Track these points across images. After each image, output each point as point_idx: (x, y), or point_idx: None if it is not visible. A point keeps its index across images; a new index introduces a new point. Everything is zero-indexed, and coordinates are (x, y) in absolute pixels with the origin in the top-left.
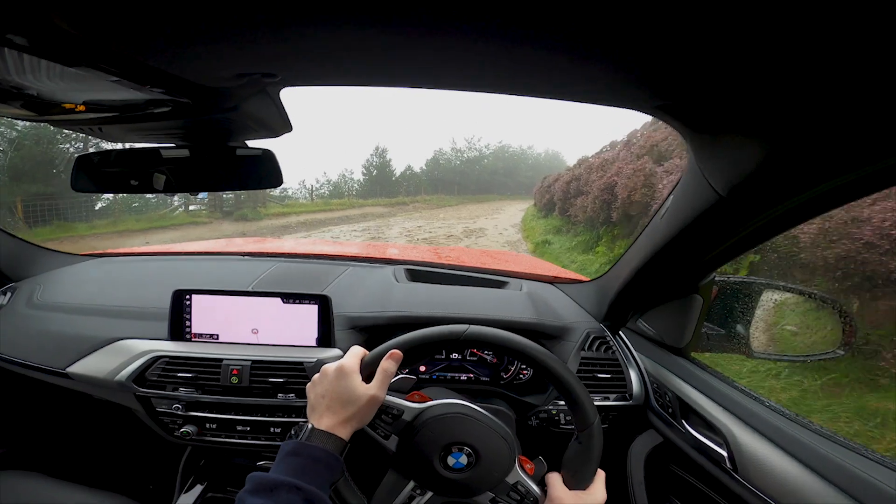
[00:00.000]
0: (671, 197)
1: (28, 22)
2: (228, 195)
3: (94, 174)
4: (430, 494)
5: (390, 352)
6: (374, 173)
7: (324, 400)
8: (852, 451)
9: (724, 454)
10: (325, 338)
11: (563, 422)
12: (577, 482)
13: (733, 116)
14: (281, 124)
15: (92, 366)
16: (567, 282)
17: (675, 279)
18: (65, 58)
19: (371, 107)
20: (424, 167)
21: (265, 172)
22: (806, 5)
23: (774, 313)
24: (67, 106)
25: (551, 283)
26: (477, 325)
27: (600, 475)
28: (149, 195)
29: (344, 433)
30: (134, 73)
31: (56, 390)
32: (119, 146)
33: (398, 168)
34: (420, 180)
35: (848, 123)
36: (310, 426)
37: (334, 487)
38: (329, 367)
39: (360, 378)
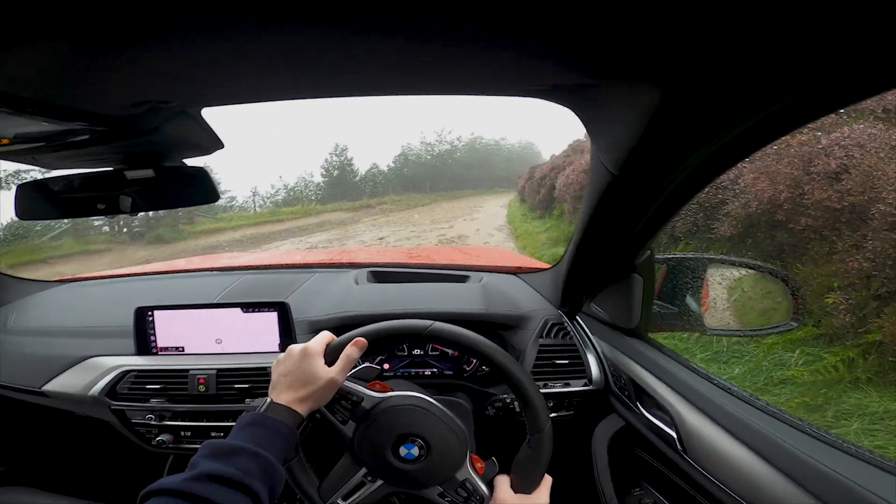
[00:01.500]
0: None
1: None
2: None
3: (36, 201)
4: (380, 483)
5: (355, 339)
6: (334, 174)
7: (285, 378)
8: (797, 429)
9: (674, 435)
10: (287, 343)
11: (517, 409)
12: (525, 486)
13: (611, 76)
14: (211, 143)
15: (66, 383)
16: (530, 271)
17: (609, 261)
18: None
19: (328, 103)
20: (392, 164)
21: (201, 189)
22: None
23: (722, 289)
24: None
25: (514, 273)
26: (429, 319)
27: (547, 481)
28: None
29: (301, 409)
30: (42, 110)
31: (44, 410)
32: (57, 173)
33: (362, 167)
34: (388, 179)
35: (729, 75)
36: (269, 399)
37: (287, 466)
38: (294, 348)
39: (322, 361)
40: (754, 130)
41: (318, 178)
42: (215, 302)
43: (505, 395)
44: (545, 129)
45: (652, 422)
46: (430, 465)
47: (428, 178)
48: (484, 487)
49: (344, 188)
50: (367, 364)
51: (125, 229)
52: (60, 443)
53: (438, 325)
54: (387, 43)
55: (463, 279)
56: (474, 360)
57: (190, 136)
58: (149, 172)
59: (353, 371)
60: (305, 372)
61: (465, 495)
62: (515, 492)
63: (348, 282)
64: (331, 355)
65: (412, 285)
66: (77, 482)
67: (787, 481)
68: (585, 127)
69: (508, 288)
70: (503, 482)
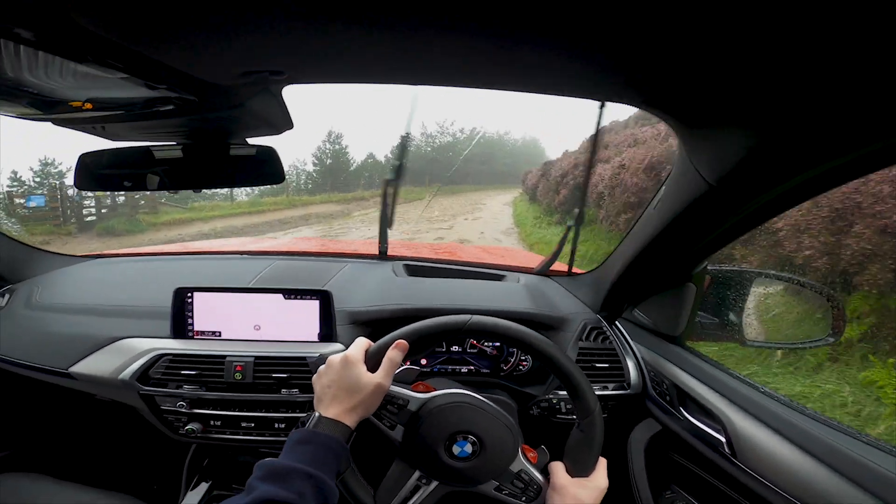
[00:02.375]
0: (663, 188)
1: (44, 16)
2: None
3: (100, 172)
4: (435, 484)
5: (396, 342)
6: (327, 163)
7: (330, 389)
8: (845, 433)
9: (723, 440)
10: (328, 333)
11: (563, 411)
12: (580, 470)
13: (721, 108)
14: (283, 121)
15: (94, 365)
16: (563, 275)
17: (668, 268)
18: (74, 53)
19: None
20: (390, 155)
21: (266, 169)
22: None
23: (766, 302)
24: (74, 104)
25: (547, 275)
26: (478, 314)
27: (602, 462)
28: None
29: (350, 421)
30: (142, 69)
31: (59, 391)
32: (115, 145)
33: (358, 157)
34: (384, 170)
35: (832, 112)
36: (317, 415)
37: (341, 479)
38: (335, 358)
39: (364, 367)
40: (853, 163)
41: (310, 167)
42: (251, 286)
43: (549, 396)
44: (551, 124)
45: (696, 426)
46: (485, 461)
47: (427, 170)
48: (539, 476)
49: (337, 178)
50: (406, 366)
51: (73, 219)
52: (74, 426)
53: (478, 318)
54: (499, 42)
55: (499, 278)
56: (512, 360)
57: (269, 113)
58: (177, 152)
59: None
60: (350, 381)
61: (522, 486)
62: (572, 476)
63: (387, 274)
64: (371, 360)
65: (453, 281)
66: (89, 469)
67: (845, 482)
68: (681, 137)
69: (546, 289)
70: (559, 468)
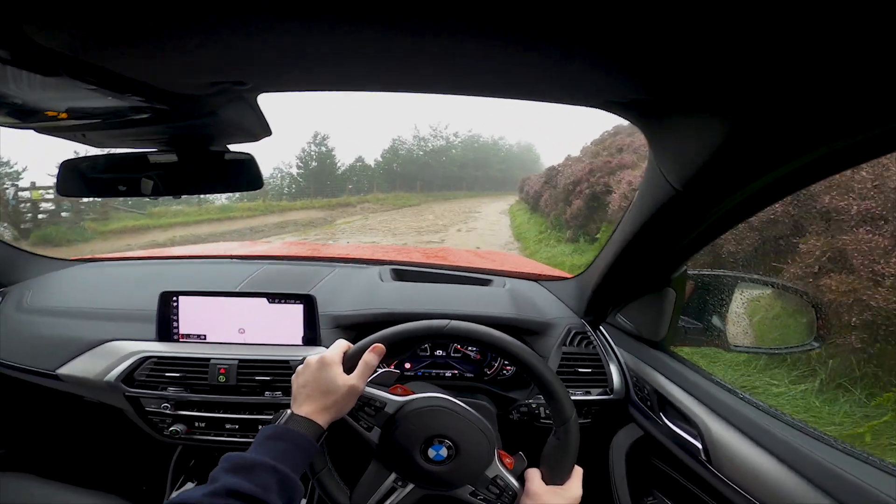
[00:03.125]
0: (637, 193)
1: (1, 33)
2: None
3: (82, 178)
4: (410, 486)
5: (373, 345)
6: (312, 166)
7: (305, 389)
8: (822, 442)
9: (699, 446)
10: (311, 336)
11: (543, 416)
12: (555, 477)
13: (686, 105)
14: (260, 129)
15: (81, 367)
16: (551, 279)
17: (646, 273)
18: (40, 68)
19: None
20: (381, 159)
21: (246, 176)
22: None
23: (749, 306)
24: (50, 113)
25: (535, 280)
26: (458, 320)
27: (577, 471)
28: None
29: (322, 420)
30: (109, 82)
31: (49, 392)
32: (106, 151)
33: (346, 160)
34: (374, 174)
35: (799, 107)
36: (289, 412)
37: (318, 478)
38: (312, 359)
39: (341, 369)
40: (821, 161)
41: (294, 170)
42: (236, 290)
43: (530, 400)
44: (547, 130)
45: (675, 432)
46: (460, 465)
47: (419, 175)
48: (515, 482)
49: (322, 182)
50: (386, 369)
51: (3, 226)
52: (63, 428)
53: (456, 323)
54: (462, 45)
55: (485, 283)
56: (496, 364)
57: (244, 121)
58: (171, 157)
59: (373, 377)
60: (324, 381)
61: (497, 492)
62: (547, 484)
63: (373, 278)
64: (349, 362)
65: (439, 286)
66: (77, 469)
67: (815, 490)
68: (649, 141)
69: (532, 294)
70: (534, 475)
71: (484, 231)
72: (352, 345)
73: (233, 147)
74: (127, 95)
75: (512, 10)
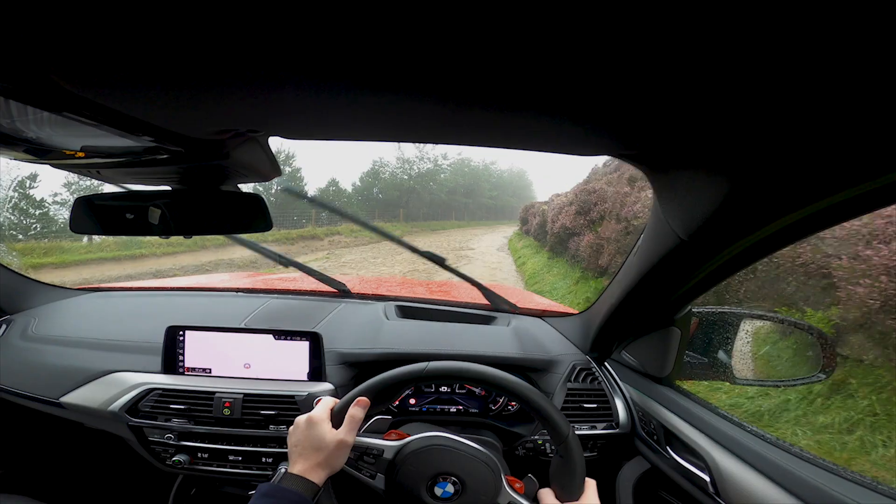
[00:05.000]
0: (641, 237)
1: (24, 75)
2: None
3: (94, 216)
4: None
5: (356, 399)
6: (272, 190)
7: (297, 448)
8: (832, 472)
9: (707, 479)
10: (317, 372)
11: (549, 451)
12: (568, 494)
13: (689, 159)
14: (270, 169)
15: (85, 396)
16: (555, 315)
17: (649, 314)
18: (54, 107)
19: None
20: (359, 184)
21: (256, 217)
22: (756, 53)
23: (754, 341)
24: (67, 152)
25: (540, 316)
26: (462, 361)
27: (591, 483)
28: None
29: (316, 478)
30: (128, 125)
31: (49, 418)
32: (118, 189)
33: (317, 183)
34: (350, 201)
35: (806, 157)
36: (283, 470)
37: None
38: (301, 419)
39: (329, 425)
40: (826, 211)
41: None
42: (244, 325)
43: (535, 436)
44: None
45: (682, 465)
46: (469, 499)
47: (403, 202)
48: None
49: (285, 210)
50: (378, 416)
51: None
52: (63, 452)
53: (435, 364)
54: (472, 109)
55: (489, 320)
56: (500, 399)
57: (255, 162)
58: (180, 197)
59: (367, 425)
60: (314, 438)
61: None
62: (561, 501)
63: (378, 315)
64: (336, 418)
65: (444, 325)
66: (74, 494)
67: None
68: (655, 190)
69: (536, 331)
70: (547, 494)
71: (484, 276)
72: (337, 401)
73: (243, 187)
74: (143, 137)
75: (519, 79)
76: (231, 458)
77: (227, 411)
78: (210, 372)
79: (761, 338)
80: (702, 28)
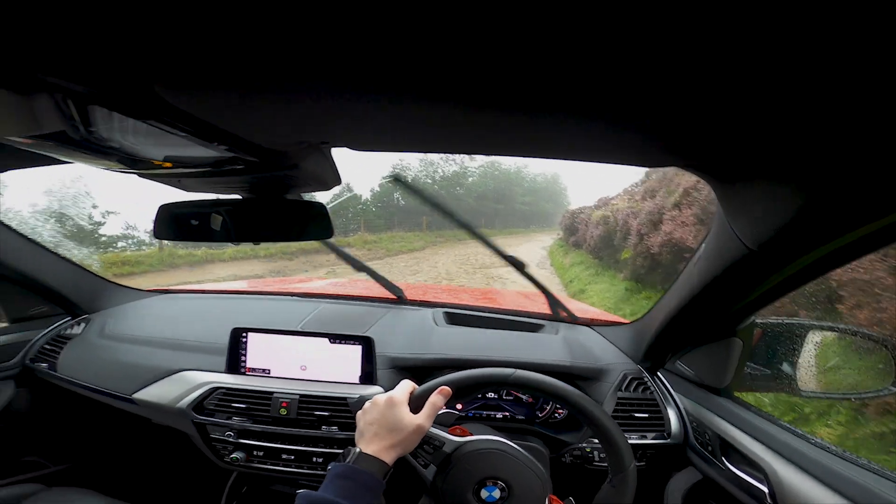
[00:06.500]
0: (703, 246)
1: (130, 87)
2: None
3: (174, 223)
4: None
5: (441, 387)
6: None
7: (372, 427)
8: None
9: (766, 490)
10: (368, 376)
11: (596, 459)
12: None
13: (760, 171)
14: (333, 179)
15: (156, 393)
16: (605, 324)
17: (709, 324)
18: (151, 117)
19: None
20: (377, 189)
21: (319, 225)
22: (831, 60)
23: (821, 352)
24: (156, 162)
25: (588, 325)
26: (512, 367)
27: None
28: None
29: (388, 458)
30: (214, 136)
31: (117, 413)
32: (193, 196)
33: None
34: (366, 208)
35: (885, 168)
36: (357, 450)
37: None
38: (380, 398)
39: (407, 408)
40: None
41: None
42: (300, 329)
43: (584, 444)
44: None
45: (739, 476)
46: None
47: (426, 209)
48: None
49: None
50: (447, 410)
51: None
52: (127, 447)
53: (521, 372)
54: (538, 119)
55: (537, 328)
56: (548, 407)
57: (320, 171)
58: (249, 204)
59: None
60: (392, 420)
61: None
62: None
63: (427, 321)
64: (415, 403)
65: (492, 331)
66: (135, 489)
67: None
68: (720, 199)
69: (585, 340)
70: None
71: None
72: (417, 386)
73: (305, 196)
74: (225, 148)
75: (586, 88)
76: (283, 456)
77: (283, 411)
78: (269, 373)
79: (829, 349)
80: (779, 31)
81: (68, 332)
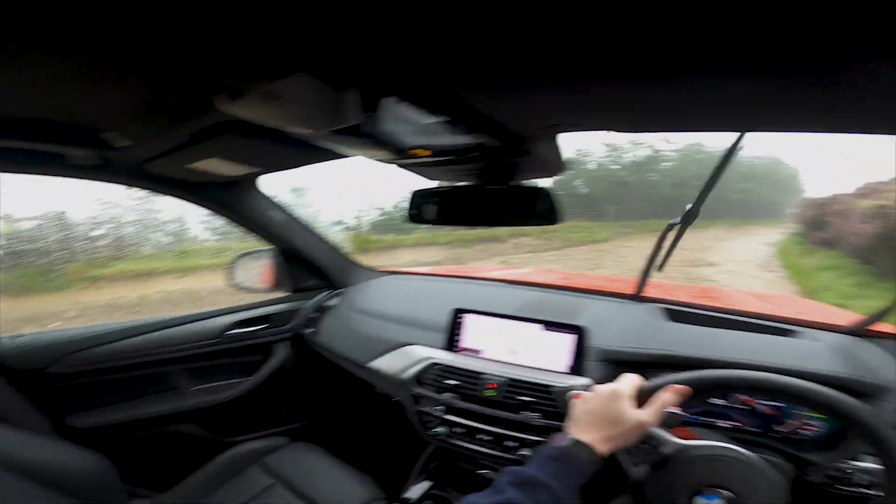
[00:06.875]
0: None
1: (430, 86)
2: None
3: (422, 208)
4: None
5: (678, 386)
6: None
7: (590, 416)
8: None
9: None
10: (577, 366)
11: (854, 482)
12: None
13: None
14: (559, 166)
15: (386, 364)
16: (885, 336)
17: None
18: (432, 108)
19: None
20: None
21: (547, 209)
22: None
23: None
24: (417, 153)
25: (860, 336)
26: (768, 372)
27: None
28: None
29: (603, 449)
30: (467, 118)
31: (350, 379)
32: (439, 184)
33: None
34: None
35: None
36: (573, 436)
37: None
38: (603, 388)
39: (631, 403)
40: None
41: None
42: (514, 314)
43: (842, 464)
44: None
45: None
46: None
47: (610, 196)
48: None
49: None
50: (672, 410)
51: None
52: (351, 410)
53: (789, 379)
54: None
55: (786, 333)
56: (794, 422)
57: (549, 158)
58: (496, 190)
59: None
60: (613, 413)
61: None
62: None
63: (643, 316)
64: (641, 398)
65: (727, 332)
66: (347, 447)
67: None
68: None
69: (864, 354)
70: None
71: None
72: (644, 380)
73: (526, 183)
74: (477, 134)
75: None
76: (478, 436)
77: (489, 392)
78: (480, 353)
79: None
80: None
81: (328, 303)
